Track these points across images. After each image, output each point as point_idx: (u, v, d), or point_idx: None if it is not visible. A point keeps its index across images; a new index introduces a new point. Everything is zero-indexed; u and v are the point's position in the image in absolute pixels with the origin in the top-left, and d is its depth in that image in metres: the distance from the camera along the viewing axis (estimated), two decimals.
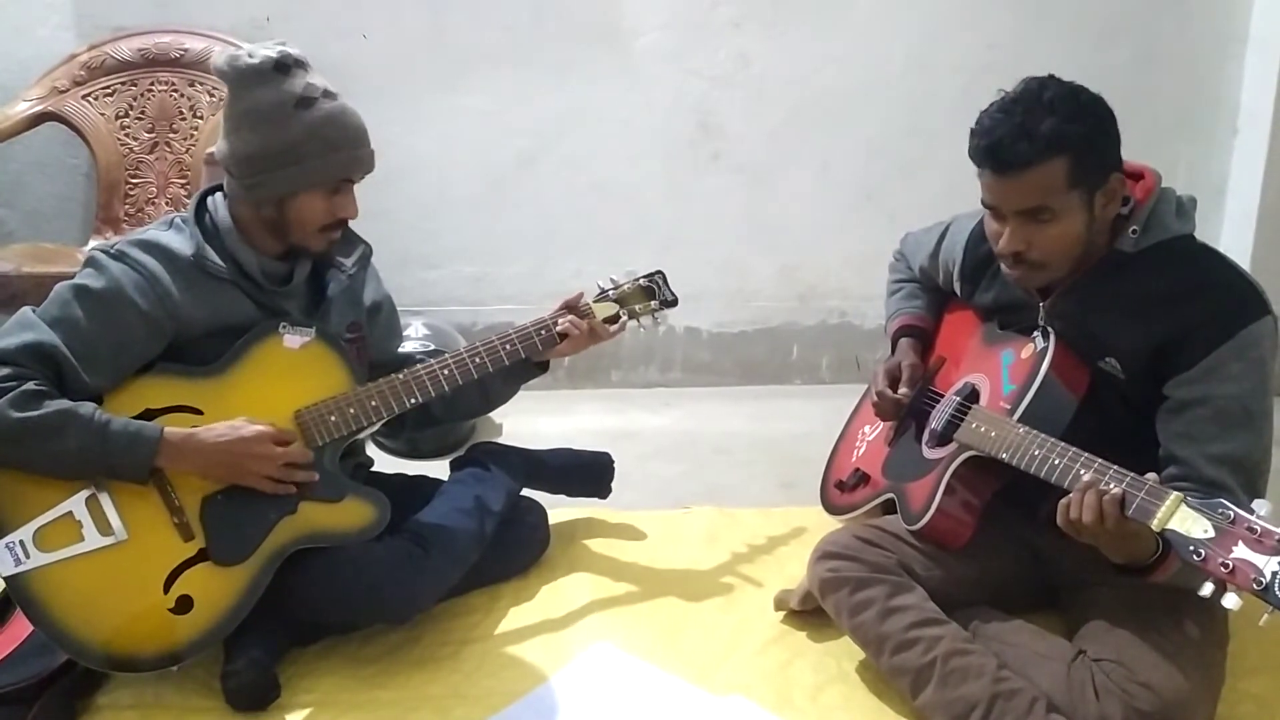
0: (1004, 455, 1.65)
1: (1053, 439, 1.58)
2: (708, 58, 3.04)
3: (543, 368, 2.05)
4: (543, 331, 1.96)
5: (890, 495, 1.93)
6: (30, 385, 1.62)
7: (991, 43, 3.02)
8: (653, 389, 3.27)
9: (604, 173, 3.11)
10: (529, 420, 2.72)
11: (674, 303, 2.06)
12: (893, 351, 2.10)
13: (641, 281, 2.04)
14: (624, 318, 2.02)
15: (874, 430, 2.13)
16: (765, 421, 2.99)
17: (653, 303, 2.04)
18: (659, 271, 2.06)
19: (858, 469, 2.08)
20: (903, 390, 1.98)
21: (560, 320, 1.96)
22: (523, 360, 2.00)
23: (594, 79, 3.03)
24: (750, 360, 3.28)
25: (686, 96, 3.06)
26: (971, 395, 1.85)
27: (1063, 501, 1.49)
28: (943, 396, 1.93)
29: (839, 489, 2.11)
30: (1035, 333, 1.77)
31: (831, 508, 2.13)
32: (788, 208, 3.17)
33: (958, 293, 1.99)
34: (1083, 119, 1.57)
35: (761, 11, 3.01)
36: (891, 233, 2.29)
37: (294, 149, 1.73)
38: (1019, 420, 1.67)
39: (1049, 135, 1.55)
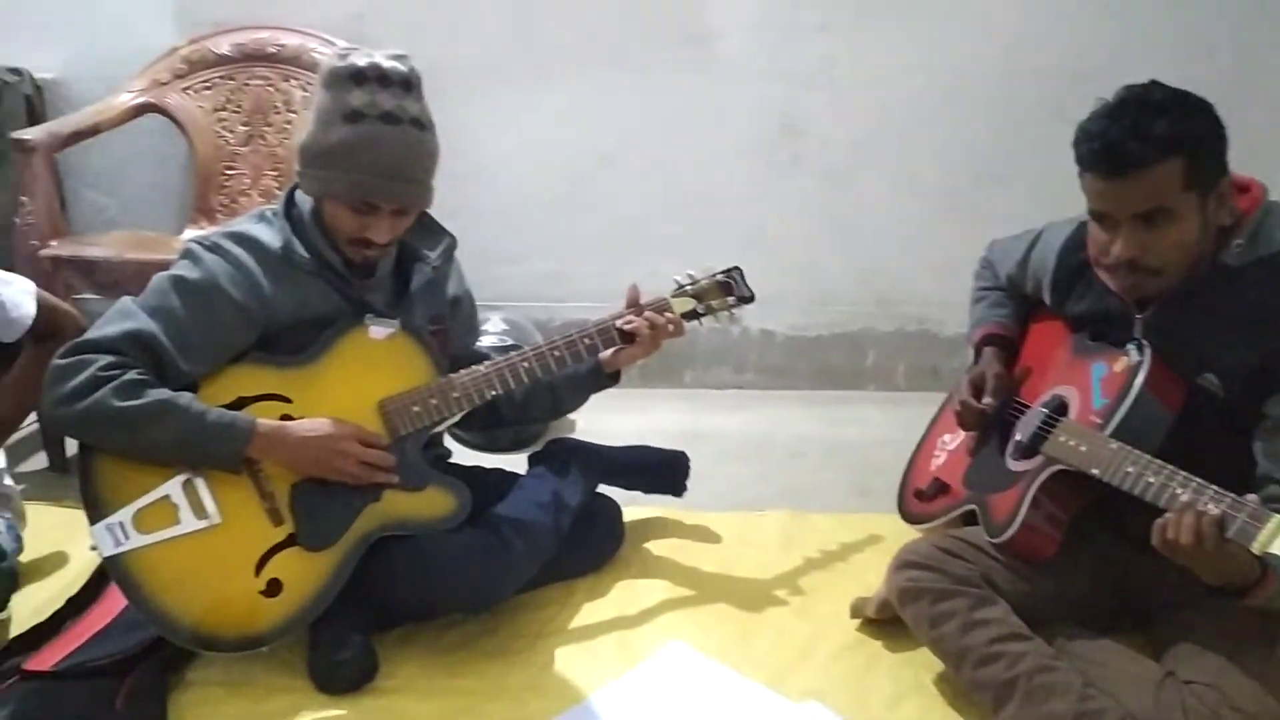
0: (1094, 471, 1.60)
1: (1147, 456, 1.54)
2: (792, 60, 3.01)
3: (614, 378, 2.05)
4: (620, 325, 1.95)
5: (971, 506, 1.89)
6: (132, 374, 1.65)
7: (1084, 49, 2.95)
8: (725, 390, 3.26)
9: (683, 174, 3.10)
10: (602, 418, 2.71)
11: (751, 299, 2.03)
12: (976, 360, 2.05)
13: (719, 277, 2.02)
14: (702, 314, 2.01)
15: (955, 440, 2.09)
16: (839, 427, 2.96)
17: (729, 298, 2.01)
18: (736, 267, 2.04)
19: (937, 478, 2.05)
20: (987, 400, 1.94)
21: (635, 317, 1.95)
22: (595, 369, 2.00)
23: (676, 80, 3.03)
24: (825, 365, 3.25)
25: (769, 99, 3.04)
26: (1060, 408, 1.81)
27: (1159, 521, 1.45)
28: (1029, 408, 1.89)
29: (917, 498, 2.07)
30: (1130, 345, 1.72)
31: (909, 516, 2.09)
32: (868, 212, 3.13)
33: (1047, 302, 1.94)
34: (1196, 118, 1.53)
35: (848, 14, 2.98)
36: (974, 240, 2.25)
37: (324, 156, 1.74)
38: (1111, 435, 1.63)
39: (1164, 135, 1.51)
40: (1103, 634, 1.73)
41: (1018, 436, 1.86)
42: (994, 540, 1.77)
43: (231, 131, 2.91)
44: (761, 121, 3.06)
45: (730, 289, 2.01)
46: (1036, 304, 2.03)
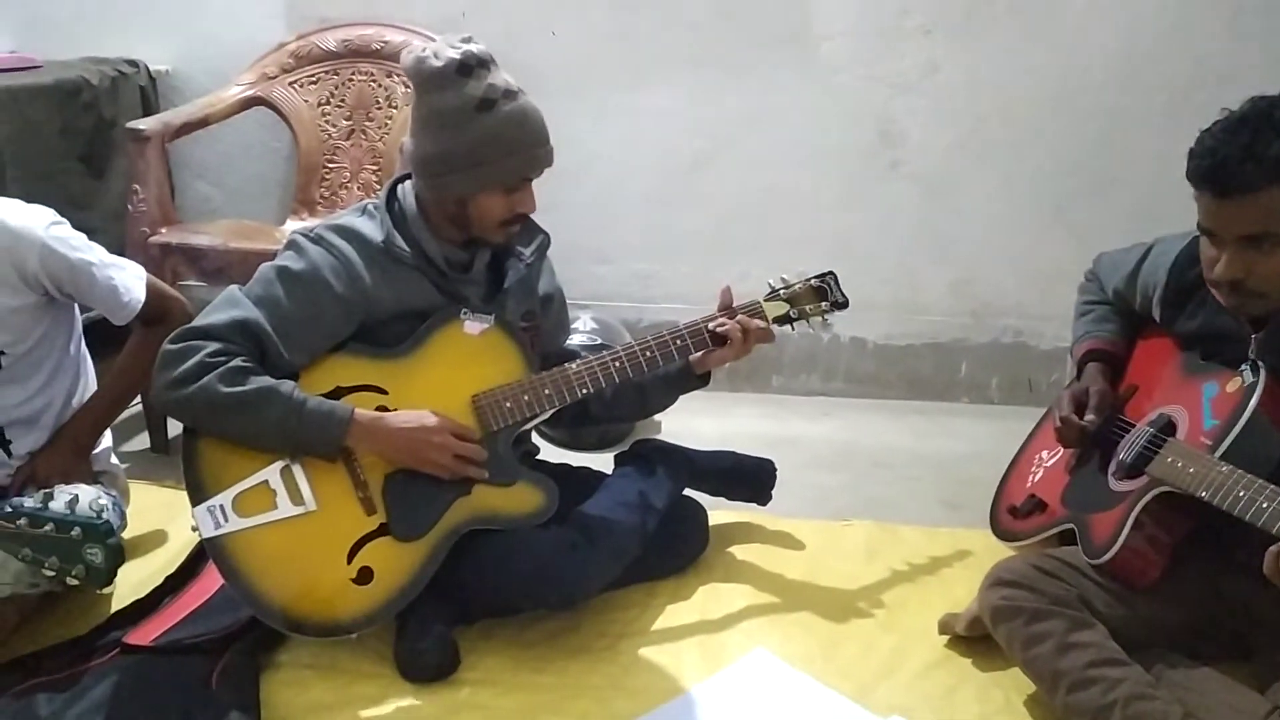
0: (1203, 494, 1.55)
1: (1260, 480, 1.48)
2: (894, 64, 2.97)
3: (704, 380, 2.04)
4: (712, 327, 1.95)
5: (1069, 525, 1.84)
6: (238, 361, 1.70)
7: (1200, 57, 2.85)
8: (813, 397, 3.23)
9: (779, 176, 3.08)
10: (688, 420, 2.71)
11: (845, 305, 2.01)
12: (1079, 375, 2.00)
13: (813, 281, 2.00)
14: (794, 318, 1.99)
15: (1053, 456, 2.04)
16: (929, 438, 2.92)
17: (823, 304, 1.99)
18: (830, 272, 2.02)
19: (1033, 495, 2.00)
20: (1089, 417, 1.89)
21: (727, 320, 1.94)
22: (685, 370, 2.00)
23: (775, 82, 3.00)
24: (916, 375, 3.21)
25: (869, 103, 3.01)
26: (1167, 427, 1.75)
27: (1273, 549, 1.39)
28: (1134, 426, 1.83)
29: (1011, 514, 2.03)
30: (1243, 366, 1.66)
31: (1002, 533, 2.05)
32: (966, 220, 3.07)
33: (1157, 318, 1.88)
34: None
35: (954, 18, 2.92)
36: (1078, 252, 2.19)
37: (475, 152, 1.77)
38: (1221, 458, 1.57)
39: (1278, 159, 1.44)
40: (1204, 663, 1.67)
41: (1121, 456, 1.81)
42: (1093, 561, 1.72)
43: (334, 125, 2.97)
44: (860, 125, 3.03)
45: (824, 294, 1.99)
46: (1144, 320, 1.97)
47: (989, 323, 3.15)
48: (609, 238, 3.16)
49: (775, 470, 2.28)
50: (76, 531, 1.49)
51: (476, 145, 1.76)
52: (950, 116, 3.00)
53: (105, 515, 1.54)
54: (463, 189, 1.80)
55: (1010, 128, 2.98)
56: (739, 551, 2.24)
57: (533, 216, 1.97)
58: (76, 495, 1.58)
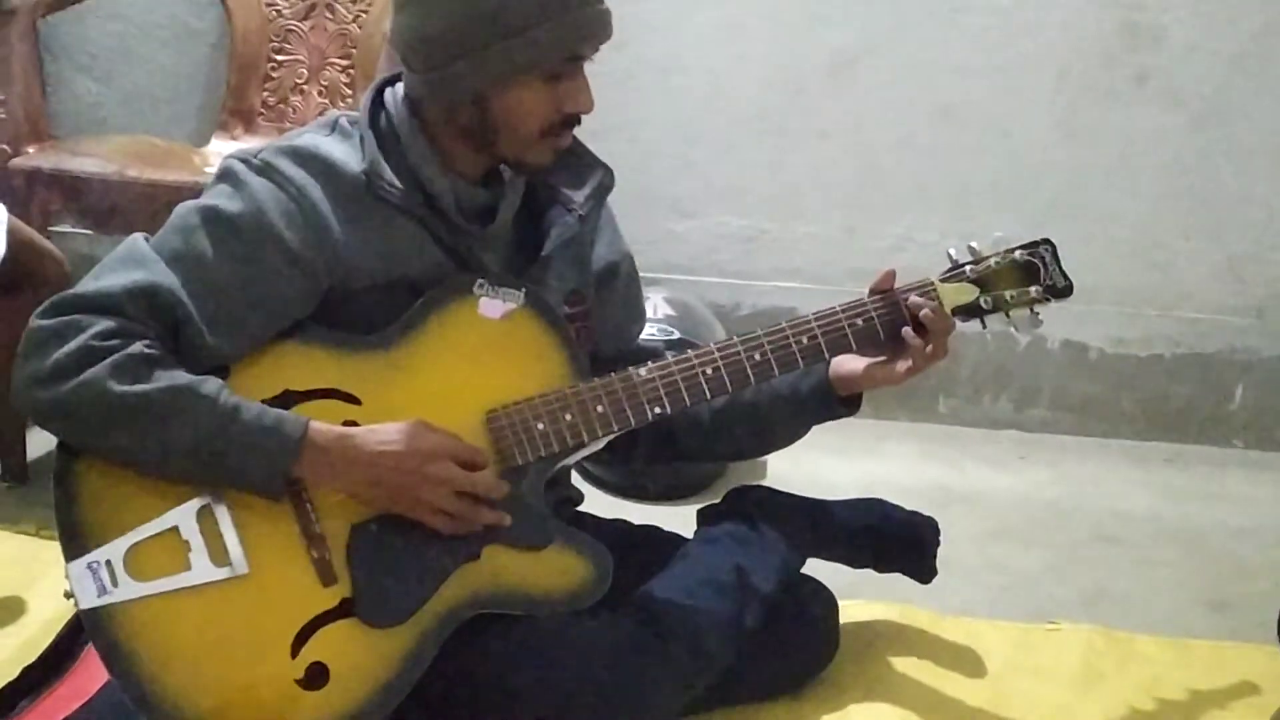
0: None
1: None
2: None
3: (850, 406, 2.04)
4: (859, 320, 1.93)
5: None
6: (139, 346, 1.71)
7: None
8: (1002, 431, 3.25)
9: (957, 92, 3.09)
10: (806, 460, 2.70)
11: (1067, 291, 1.99)
12: None
13: (1018, 255, 1.98)
14: (986, 309, 1.98)
15: None
16: (1185, 501, 2.93)
17: (1033, 288, 1.97)
18: (1046, 241, 2.00)
19: None
20: None
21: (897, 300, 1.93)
22: (821, 386, 2.00)
23: None
24: (1166, 402, 3.22)
25: None
26: None
27: None
28: None
29: None
30: None
31: None
32: (1251, 167, 3.08)
33: None
34: None
35: None
36: None
37: (498, 16, 1.76)
38: None
39: None
40: None
41: None
42: None
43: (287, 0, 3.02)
44: (1091, 15, 3.03)
45: (1035, 274, 1.97)
46: None
47: None
48: (694, 179, 3.18)
49: (938, 531, 2.27)
50: None
51: (500, 6, 1.76)
52: (1231, 5, 2.99)
53: None
54: (483, 78, 1.80)
55: None
56: (885, 663, 2.24)
57: (589, 145, 1.98)
58: None
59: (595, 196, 2.00)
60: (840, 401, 2.02)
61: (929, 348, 1.91)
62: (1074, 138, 3.09)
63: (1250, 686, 2.20)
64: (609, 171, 2.01)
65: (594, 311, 2.06)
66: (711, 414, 2.03)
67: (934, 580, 2.27)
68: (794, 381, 1.99)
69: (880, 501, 2.30)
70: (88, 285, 1.77)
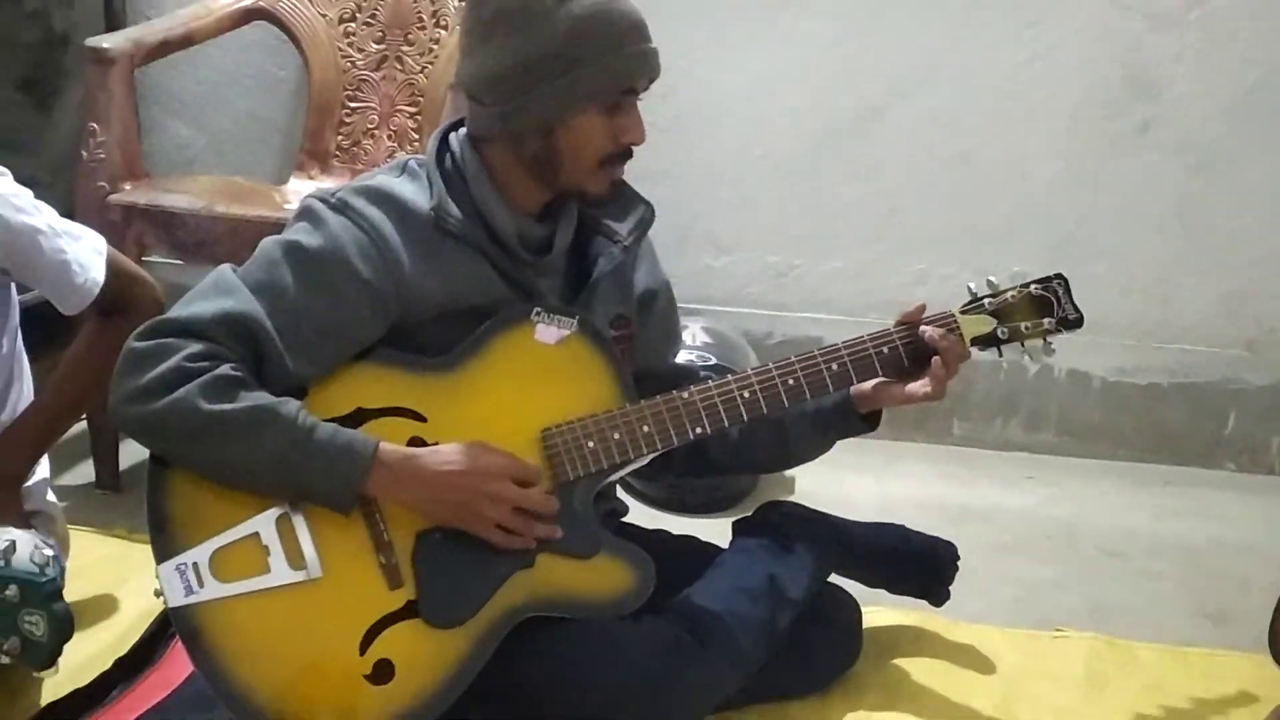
0: None
1: None
2: None
3: (870, 422, 2.04)
4: (885, 349, 1.94)
5: None
6: (226, 369, 1.72)
7: None
8: (1012, 453, 3.23)
9: (976, 139, 3.08)
10: (831, 478, 2.70)
11: (1078, 323, 1.99)
12: None
13: (1033, 289, 1.98)
14: (1003, 339, 1.97)
15: None
16: (1181, 519, 2.91)
17: (1046, 320, 1.97)
18: (1059, 276, 2.00)
19: None
20: None
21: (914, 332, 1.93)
22: (844, 405, 2.00)
23: (978, 7, 3.01)
24: (1164, 427, 3.20)
25: (1111, 39, 3.01)
26: None
27: None
28: None
29: None
30: None
31: None
32: (1246, 210, 3.07)
33: None
34: None
35: None
36: None
37: (562, 53, 1.79)
38: None
39: None
40: None
41: None
42: None
43: (360, 50, 3.04)
44: (1097, 71, 3.02)
45: (1048, 307, 1.97)
46: None
47: (1273, 357, 3.13)
48: (731, 217, 3.19)
49: (956, 556, 2.26)
50: (13, 591, 1.50)
51: (564, 43, 1.78)
52: (1227, 61, 2.98)
53: (49, 571, 1.54)
54: (550, 109, 1.82)
55: None
56: (904, 668, 2.23)
57: (635, 186, 1.99)
58: (13, 542, 1.58)
59: (638, 229, 2.03)
60: (861, 418, 2.02)
61: (945, 374, 1.91)
62: (1082, 182, 3.08)
63: (1243, 692, 2.19)
64: (650, 207, 2.03)
65: (636, 334, 2.06)
66: (739, 429, 2.02)
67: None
68: (816, 400, 1.98)
69: (900, 526, 2.30)
70: (180, 311, 1.79)
